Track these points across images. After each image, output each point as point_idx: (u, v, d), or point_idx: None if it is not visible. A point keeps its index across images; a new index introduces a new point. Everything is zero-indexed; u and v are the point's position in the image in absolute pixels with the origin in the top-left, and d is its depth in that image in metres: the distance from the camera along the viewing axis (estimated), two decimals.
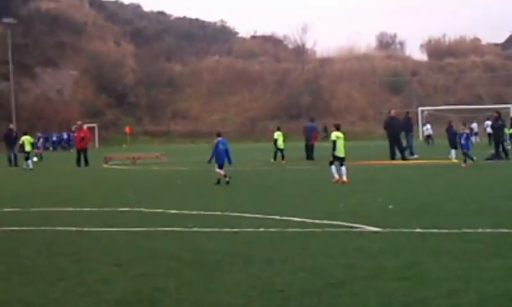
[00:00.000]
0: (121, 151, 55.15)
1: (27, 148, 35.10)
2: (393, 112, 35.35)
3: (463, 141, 27.97)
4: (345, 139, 22.03)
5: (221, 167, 21.43)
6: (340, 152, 21.48)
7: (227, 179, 21.14)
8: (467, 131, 29.07)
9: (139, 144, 72.78)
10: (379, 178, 22.56)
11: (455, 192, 17.23)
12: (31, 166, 33.77)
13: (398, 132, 32.61)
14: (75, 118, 59.83)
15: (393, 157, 31.85)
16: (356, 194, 17.43)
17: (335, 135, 21.88)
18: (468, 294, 7.03)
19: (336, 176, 21.15)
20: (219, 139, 21.91)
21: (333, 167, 21.40)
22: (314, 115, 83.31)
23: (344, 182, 20.75)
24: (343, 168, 21.14)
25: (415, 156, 33.50)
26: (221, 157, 21.52)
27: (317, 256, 9.18)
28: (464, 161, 27.23)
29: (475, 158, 27.56)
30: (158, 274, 8.35)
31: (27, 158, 34.31)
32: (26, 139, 35.49)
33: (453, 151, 30.75)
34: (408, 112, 38.79)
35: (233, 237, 11.07)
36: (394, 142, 32.28)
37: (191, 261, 9.09)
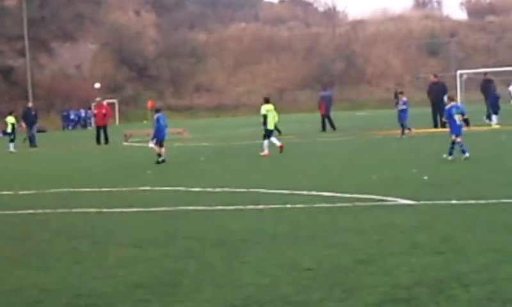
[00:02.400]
0: (142, 127, 55.46)
1: (9, 128, 34.97)
2: (432, 77, 35.06)
3: (399, 109, 27.64)
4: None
5: (161, 144, 21.62)
6: (271, 125, 22.97)
7: (161, 159, 21.26)
8: (405, 98, 28.43)
9: None
10: (416, 148, 22.46)
11: (494, 162, 17.11)
12: (11, 149, 33.82)
13: (441, 98, 32.30)
14: (95, 94, 60.20)
15: (436, 125, 31.58)
16: (390, 165, 17.41)
17: (265, 108, 23.13)
18: (505, 268, 7.01)
19: (266, 151, 22.44)
20: (159, 114, 22.18)
21: (266, 142, 22.62)
22: (348, 82, 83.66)
23: (264, 155, 22.18)
24: (266, 141, 22.57)
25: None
26: (161, 132, 21.77)
27: (346, 232, 9.21)
28: (402, 132, 27.16)
29: (412, 129, 27.64)
30: (179, 255, 8.44)
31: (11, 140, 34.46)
32: (9, 120, 35.36)
33: (494, 117, 30.46)
34: (485, 74, 38.37)
35: (258, 215, 11.14)
36: (436, 108, 31.97)
37: (213, 241, 9.17)
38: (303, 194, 12.92)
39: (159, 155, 21.38)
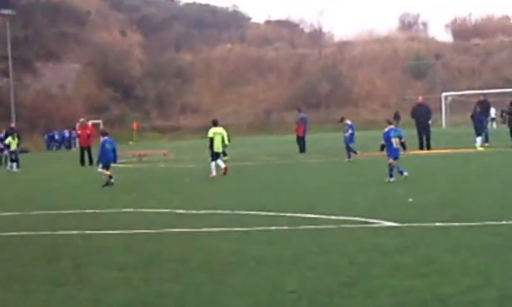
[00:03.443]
0: (128, 148, 55.34)
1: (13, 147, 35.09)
2: (420, 98, 35.37)
3: (346, 134, 27.81)
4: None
5: (107, 167, 21.90)
6: (217, 148, 23.66)
7: (112, 181, 21.56)
8: (349, 122, 28.46)
9: (146, 141, 72.96)
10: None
11: (479, 183, 17.29)
12: (14, 169, 33.82)
13: (426, 120, 32.50)
14: (79, 114, 60.08)
15: (421, 147, 31.76)
16: (375, 187, 17.45)
17: (212, 132, 23.91)
18: (489, 290, 7.06)
19: (214, 173, 23.13)
20: (106, 138, 22.43)
21: (213, 164, 23.41)
22: (334, 103, 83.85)
23: (213, 177, 22.93)
24: (213, 163, 23.36)
25: (485, 144, 32.37)
26: (107, 156, 22.03)
27: (330, 254, 9.23)
28: (349, 156, 27.38)
29: (358, 152, 27.82)
30: (162, 278, 8.42)
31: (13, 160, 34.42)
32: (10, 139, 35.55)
33: (478, 139, 30.67)
34: (481, 95, 39.12)
35: (243, 237, 11.15)
36: (422, 130, 32.19)
37: (197, 263, 9.16)
38: (288, 216, 12.94)
39: (110, 177, 21.57)
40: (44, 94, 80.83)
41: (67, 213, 15.46)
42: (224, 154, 29.51)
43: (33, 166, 38.25)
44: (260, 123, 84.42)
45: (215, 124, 24.34)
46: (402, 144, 18.81)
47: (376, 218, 11.94)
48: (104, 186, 21.37)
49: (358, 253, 9.20)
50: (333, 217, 12.37)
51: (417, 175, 20.39)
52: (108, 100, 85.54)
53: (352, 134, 27.70)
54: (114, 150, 22.37)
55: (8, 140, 35.29)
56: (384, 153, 19.03)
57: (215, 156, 23.59)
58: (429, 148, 31.62)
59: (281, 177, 22.45)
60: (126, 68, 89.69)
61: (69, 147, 71.08)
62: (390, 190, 16.32)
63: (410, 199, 14.24)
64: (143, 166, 32.87)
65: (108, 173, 21.82)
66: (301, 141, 36.18)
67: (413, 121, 33.61)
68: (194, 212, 14.37)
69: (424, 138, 31.99)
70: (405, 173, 18.14)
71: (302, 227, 11.64)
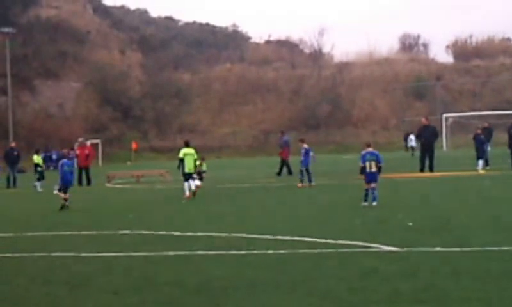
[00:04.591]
0: (126, 168, 55.33)
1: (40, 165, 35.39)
2: (423, 119, 35.30)
3: (302, 158, 27.35)
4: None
5: (65, 190, 21.89)
6: (188, 169, 23.95)
7: (67, 204, 21.54)
8: (306, 146, 27.84)
9: (144, 161, 72.90)
10: (401, 193, 22.51)
11: (480, 207, 17.22)
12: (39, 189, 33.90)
13: (431, 142, 32.45)
14: (77, 134, 60.07)
15: (422, 170, 31.68)
16: (374, 210, 17.38)
17: (183, 152, 24.30)
18: None
19: (188, 193, 23.49)
20: (64, 160, 22.73)
21: (186, 184, 23.77)
22: (334, 125, 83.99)
23: (194, 193, 23.49)
24: (190, 183, 23.74)
25: (486, 167, 32.22)
26: (66, 179, 22.11)
27: (328, 279, 9.18)
28: (301, 181, 27.04)
29: (313, 182, 26.96)
30: (158, 302, 8.38)
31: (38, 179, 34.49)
32: (35, 158, 35.81)
33: (480, 162, 30.63)
34: (485, 120, 39.84)
35: (240, 260, 11.09)
36: (426, 152, 32.12)
37: (193, 287, 9.11)
38: (286, 240, 12.88)
39: (65, 200, 21.53)
40: (42, 114, 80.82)
41: (63, 235, 15.39)
42: (201, 178, 29.56)
43: (29, 186, 38.12)
44: (259, 144, 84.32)
45: (187, 145, 24.79)
46: (379, 169, 18.61)
47: (376, 242, 11.88)
48: (60, 209, 21.28)
49: (357, 278, 9.14)
50: (331, 241, 12.30)
51: (417, 199, 20.34)
52: (107, 120, 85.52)
53: (307, 159, 27.38)
54: (72, 173, 22.65)
55: (36, 158, 35.48)
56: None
57: (187, 176, 23.91)
58: (431, 170, 31.51)
59: (279, 199, 22.38)
60: (125, 87, 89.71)
61: None
62: (389, 214, 16.25)
63: (410, 223, 14.19)
64: (141, 187, 32.80)
65: (63, 196, 21.74)
66: (288, 164, 36.33)
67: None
68: (190, 234, 14.30)
69: (427, 160, 31.87)
70: (374, 203, 18.02)
71: (300, 251, 11.57)
